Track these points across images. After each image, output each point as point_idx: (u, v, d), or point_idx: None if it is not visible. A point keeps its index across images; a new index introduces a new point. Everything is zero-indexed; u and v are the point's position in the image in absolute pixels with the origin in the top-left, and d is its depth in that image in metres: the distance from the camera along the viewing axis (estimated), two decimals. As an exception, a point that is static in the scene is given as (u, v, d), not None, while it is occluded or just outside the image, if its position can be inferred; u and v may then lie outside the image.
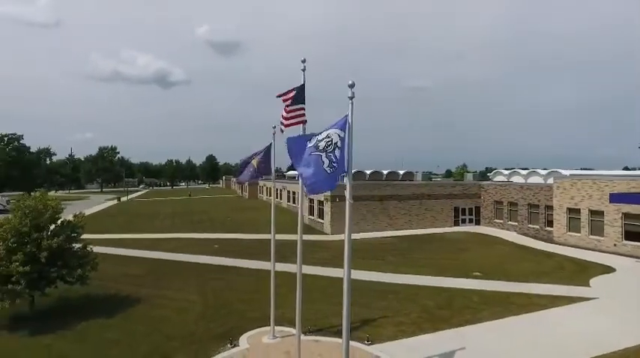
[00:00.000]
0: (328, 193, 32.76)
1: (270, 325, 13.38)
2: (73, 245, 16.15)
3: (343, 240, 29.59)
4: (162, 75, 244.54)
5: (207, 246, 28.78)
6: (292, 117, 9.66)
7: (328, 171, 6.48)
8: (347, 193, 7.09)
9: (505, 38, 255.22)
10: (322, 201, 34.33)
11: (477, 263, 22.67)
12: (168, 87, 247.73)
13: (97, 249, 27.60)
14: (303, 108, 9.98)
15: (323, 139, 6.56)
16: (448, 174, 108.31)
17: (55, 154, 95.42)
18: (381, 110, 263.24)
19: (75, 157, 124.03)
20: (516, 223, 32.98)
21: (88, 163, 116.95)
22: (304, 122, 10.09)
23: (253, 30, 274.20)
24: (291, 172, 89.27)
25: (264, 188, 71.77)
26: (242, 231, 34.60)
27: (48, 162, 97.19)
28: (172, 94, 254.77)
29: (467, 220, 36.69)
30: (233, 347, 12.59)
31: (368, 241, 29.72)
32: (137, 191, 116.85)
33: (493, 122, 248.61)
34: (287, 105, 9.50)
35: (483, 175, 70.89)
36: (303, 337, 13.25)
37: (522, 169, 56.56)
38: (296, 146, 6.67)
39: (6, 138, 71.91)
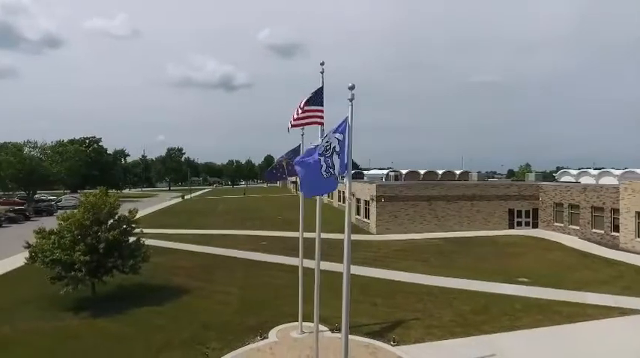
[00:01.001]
0: (374, 193, 32.69)
1: (306, 320, 13.83)
2: (129, 238, 17.75)
3: (388, 241, 30.06)
4: (227, 79, 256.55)
5: (256, 242, 29.99)
6: (307, 117, 9.95)
7: (325, 176, 6.70)
8: (346, 193, 7.27)
9: (581, 28, 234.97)
10: (368, 201, 34.28)
11: (526, 268, 21.47)
12: (232, 90, 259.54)
13: (156, 242, 29.96)
14: (321, 110, 10.25)
15: (323, 145, 6.80)
16: (510, 173, 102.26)
17: (128, 155, 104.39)
18: (445, 107, 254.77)
19: (147, 158, 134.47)
20: (578, 227, 30.54)
21: (158, 163, 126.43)
22: (322, 124, 10.36)
23: (312, 31, 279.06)
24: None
25: (317, 187, 72.64)
26: (290, 229, 35.50)
27: (123, 162, 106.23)
28: (236, 97, 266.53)
29: (523, 223, 34.62)
30: (262, 339, 13.19)
31: (413, 242, 29.21)
32: (202, 189, 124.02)
33: (568, 118, 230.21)
34: (302, 106, 9.80)
35: (549, 175, 66.25)
36: (329, 334, 13.61)
37: (595, 169, 52.15)
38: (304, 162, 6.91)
39: (87, 141, 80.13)
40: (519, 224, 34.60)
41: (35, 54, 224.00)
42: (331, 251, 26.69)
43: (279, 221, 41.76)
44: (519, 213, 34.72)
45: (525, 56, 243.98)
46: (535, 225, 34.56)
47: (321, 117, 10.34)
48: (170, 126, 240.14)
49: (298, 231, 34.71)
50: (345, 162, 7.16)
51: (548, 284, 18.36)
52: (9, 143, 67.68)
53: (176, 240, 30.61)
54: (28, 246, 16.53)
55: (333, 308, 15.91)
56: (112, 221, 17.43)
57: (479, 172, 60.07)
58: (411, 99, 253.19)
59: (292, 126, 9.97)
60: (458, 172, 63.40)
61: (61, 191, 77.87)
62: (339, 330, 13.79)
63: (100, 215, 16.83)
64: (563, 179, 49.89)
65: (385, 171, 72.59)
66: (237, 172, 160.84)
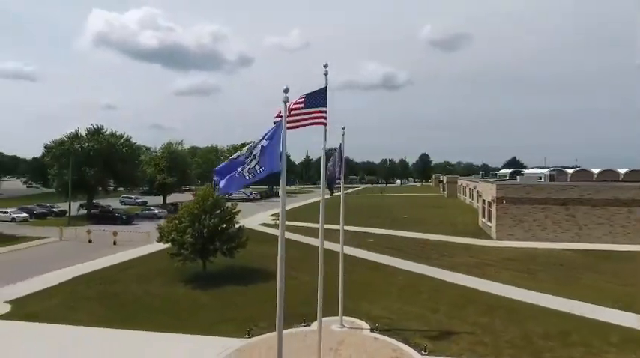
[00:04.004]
0: (494, 193, 29.43)
1: (354, 316, 14.72)
2: (230, 226, 20.89)
3: (503, 248, 27.81)
4: (388, 79, 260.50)
5: (364, 239, 30.62)
6: (310, 119, 10.36)
7: (247, 177, 7.37)
8: (280, 195, 7.72)
9: None
10: (491, 203, 30.98)
11: (671, 296, 16.52)
12: (393, 89, 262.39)
13: (276, 232, 33.41)
14: (325, 111, 10.57)
15: (244, 154, 7.53)
16: None
17: (289, 155, 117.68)
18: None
19: (310, 158, 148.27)
20: None
21: (317, 163, 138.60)
22: (325, 124, 10.69)
23: (473, 22, 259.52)
24: (502, 171, 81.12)
25: (461, 187, 68.17)
26: (407, 229, 34.90)
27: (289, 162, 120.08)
28: (394, 96, 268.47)
29: None
30: (304, 326, 14.17)
31: (532, 252, 25.29)
32: (356, 187, 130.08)
33: None
34: (299, 106, 10.22)
35: None
36: (367, 332, 13.73)
37: None
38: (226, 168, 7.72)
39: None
40: None
41: (231, 73, 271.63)
42: (430, 253, 25.60)
43: (400, 220, 41.25)
44: None
45: None
46: None
47: (325, 118, 10.67)
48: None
49: (414, 231, 34.20)
50: (280, 163, 7.68)
51: (686, 319, 13.89)
52: (197, 147, 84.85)
53: (297, 232, 33.62)
54: (159, 227, 21.27)
55: (388, 308, 15.81)
56: (218, 211, 20.90)
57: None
58: (607, 83, 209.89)
59: (289, 127, 10.49)
60: (646, 172, 50.61)
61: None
62: (378, 330, 13.74)
63: (205, 206, 20.41)
64: None
65: (545, 170, 63.06)
66: (390, 171, 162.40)
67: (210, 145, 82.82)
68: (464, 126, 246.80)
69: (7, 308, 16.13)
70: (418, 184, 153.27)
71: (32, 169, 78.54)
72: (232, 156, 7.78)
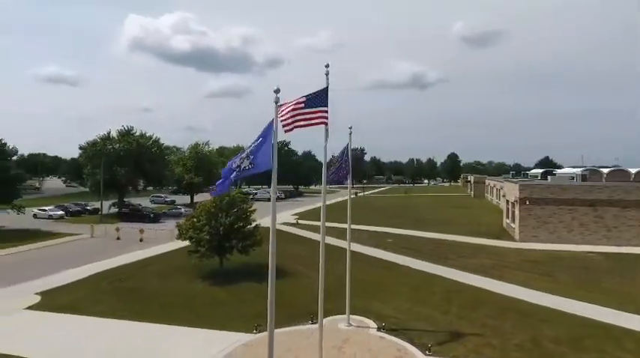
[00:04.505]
0: (517, 194, 28.60)
1: (364, 315, 14.86)
2: (246, 225, 21.36)
3: (525, 249, 27.44)
4: (418, 77, 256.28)
5: (383, 239, 30.51)
6: (311, 119, 10.51)
7: (242, 175, 7.68)
8: (271, 193, 7.93)
9: None
10: (514, 203, 30.12)
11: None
12: (425, 88, 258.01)
13: (301, 232, 33.85)
14: (326, 111, 10.71)
15: (240, 156, 7.84)
16: None
17: (314, 155, 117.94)
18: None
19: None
20: None
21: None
22: (326, 124, 10.83)
23: (506, 19, 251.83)
24: (534, 171, 78.51)
25: (489, 187, 66.43)
26: (428, 230, 34.45)
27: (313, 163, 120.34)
28: (429, 95, 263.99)
29: None
30: (312, 324, 14.35)
31: (555, 254, 24.46)
32: (382, 187, 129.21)
33: None
34: (300, 107, 10.38)
35: None
36: (374, 331, 13.81)
37: None
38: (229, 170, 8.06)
39: (279, 144, 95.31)
40: None
41: (262, 75, 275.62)
42: (448, 254, 25.22)
43: (422, 220, 40.73)
44: None
45: None
46: None
47: (326, 118, 10.81)
48: (360, 128, 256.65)
49: (435, 232, 33.81)
50: (270, 162, 7.93)
51: None
52: (225, 148, 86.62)
53: (318, 231, 33.78)
54: (178, 225, 22.02)
55: (398, 308, 15.79)
56: (234, 210, 21.42)
57: None
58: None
59: (291, 128, 10.66)
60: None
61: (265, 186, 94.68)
62: (385, 330, 13.76)
63: (222, 204, 20.96)
64: None
65: (578, 170, 60.55)
66: (418, 171, 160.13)
67: (237, 145, 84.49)
68: (497, 125, 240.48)
69: (37, 299, 17.19)
70: (446, 184, 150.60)
71: (71, 169, 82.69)
72: (233, 158, 8.09)
